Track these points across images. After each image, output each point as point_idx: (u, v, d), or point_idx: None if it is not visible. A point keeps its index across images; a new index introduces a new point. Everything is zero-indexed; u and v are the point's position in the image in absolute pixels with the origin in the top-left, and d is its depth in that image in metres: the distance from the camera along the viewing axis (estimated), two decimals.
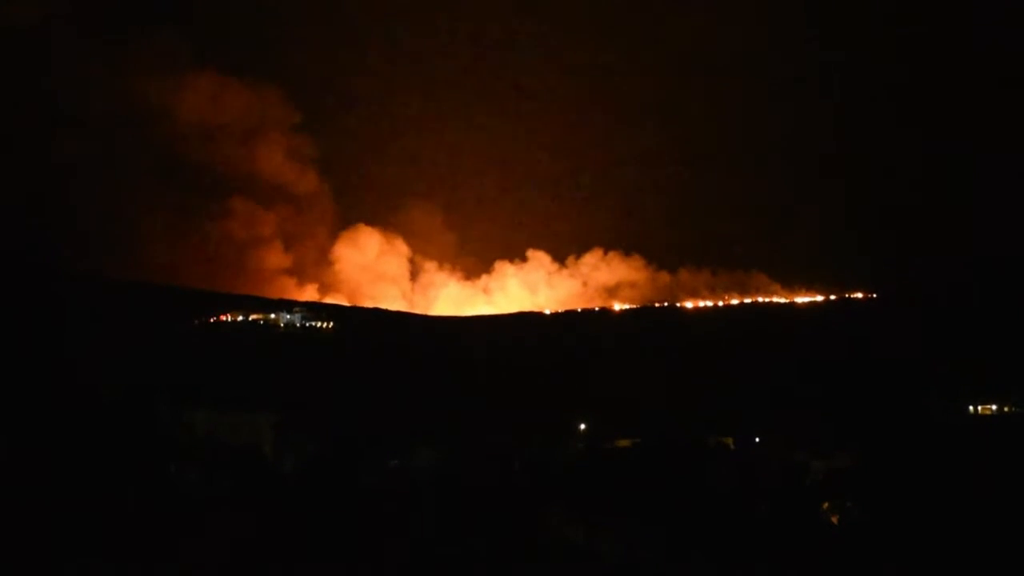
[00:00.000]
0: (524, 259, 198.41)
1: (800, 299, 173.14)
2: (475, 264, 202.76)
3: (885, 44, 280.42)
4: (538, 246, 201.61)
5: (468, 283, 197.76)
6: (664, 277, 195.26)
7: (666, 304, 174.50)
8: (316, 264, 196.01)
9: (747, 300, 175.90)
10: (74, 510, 38.06)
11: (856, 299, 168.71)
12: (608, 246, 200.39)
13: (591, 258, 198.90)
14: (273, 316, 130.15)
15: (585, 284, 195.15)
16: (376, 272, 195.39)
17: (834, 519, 52.24)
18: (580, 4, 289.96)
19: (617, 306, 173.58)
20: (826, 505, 53.84)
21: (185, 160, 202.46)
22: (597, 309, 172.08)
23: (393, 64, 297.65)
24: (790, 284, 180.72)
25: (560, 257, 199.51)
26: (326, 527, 41.28)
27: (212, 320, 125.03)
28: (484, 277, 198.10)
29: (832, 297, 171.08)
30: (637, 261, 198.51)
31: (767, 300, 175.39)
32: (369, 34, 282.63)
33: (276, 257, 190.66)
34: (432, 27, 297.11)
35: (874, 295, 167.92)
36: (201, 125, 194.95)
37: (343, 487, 54.78)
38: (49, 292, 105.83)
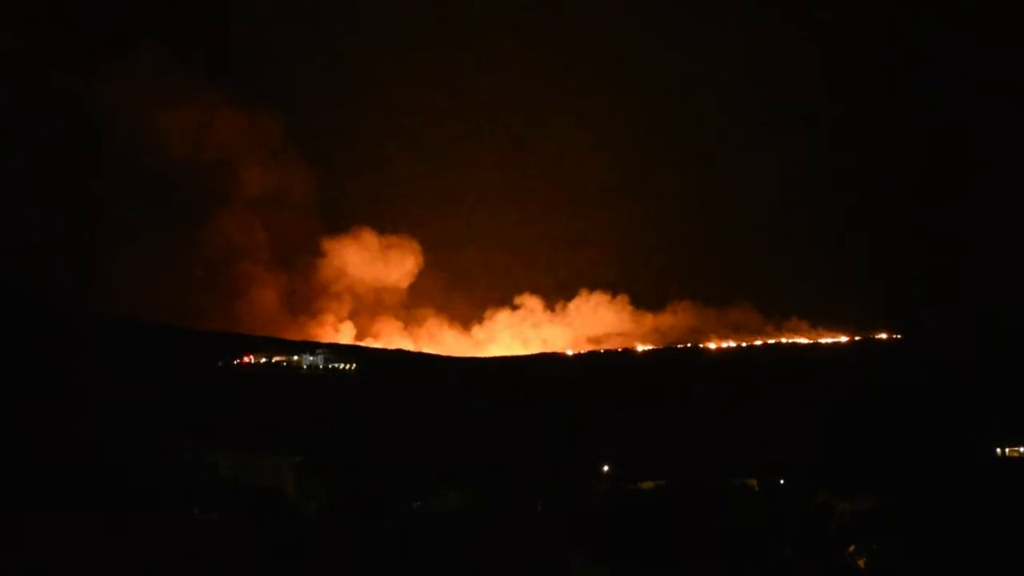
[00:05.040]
0: (514, 306, 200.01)
1: (824, 340, 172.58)
2: (465, 306, 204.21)
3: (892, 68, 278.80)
4: (524, 287, 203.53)
5: (465, 333, 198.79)
6: (649, 320, 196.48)
7: (688, 345, 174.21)
8: (309, 299, 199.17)
9: (770, 341, 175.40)
10: (96, 550, 38.31)
11: (880, 340, 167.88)
12: (593, 286, 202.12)
13: (579, 302, 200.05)
14: (296, 358, 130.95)
15: (576, 332, 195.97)
16: (375, 309, 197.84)
17: (860, 562, 51.52)
18: (571, 48, 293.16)
19: (640, 347, 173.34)
20: (852, 548, 53.14)
21: (178, 187, 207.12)
22: (620, 350, 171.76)
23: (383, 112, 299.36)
24: (773, 317, 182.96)
25: (549, 301, 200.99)
26: (349, 568, 41.30)
27: (235, 362, 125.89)
28: (476, 326, 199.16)
29: (857, 338, 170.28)
30: (624, 303, 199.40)
31: (790, 341, 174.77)
32: (362, 82, 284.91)
33: (269, 288, 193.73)
34: (423, 76, 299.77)
35: (898, 336, 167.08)
36: (196, 151, 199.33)
37: (366, 529, 54.79)
38: (73, 333, 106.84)
